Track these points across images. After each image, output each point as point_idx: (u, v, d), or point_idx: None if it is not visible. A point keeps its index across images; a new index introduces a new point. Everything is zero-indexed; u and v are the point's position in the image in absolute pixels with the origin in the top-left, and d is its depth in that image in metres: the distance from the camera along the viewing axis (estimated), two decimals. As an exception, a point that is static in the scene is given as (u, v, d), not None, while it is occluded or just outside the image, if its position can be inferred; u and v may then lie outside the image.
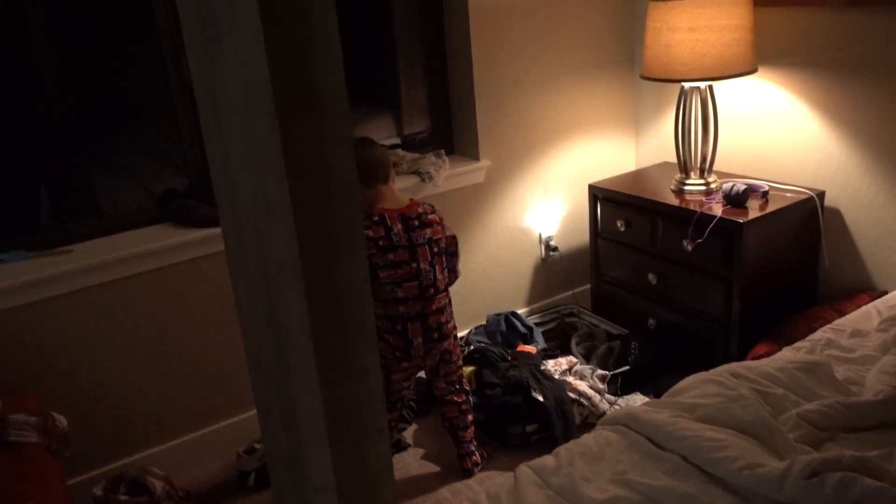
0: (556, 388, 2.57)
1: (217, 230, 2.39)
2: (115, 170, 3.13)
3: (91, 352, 2.31)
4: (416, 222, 2.25)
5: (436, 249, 2.27)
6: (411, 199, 2.30)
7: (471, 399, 2.46)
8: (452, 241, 2.36)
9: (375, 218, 2.22)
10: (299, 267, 1.14)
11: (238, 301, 1.46)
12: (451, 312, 2.35)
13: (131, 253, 2.29)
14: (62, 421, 2.00)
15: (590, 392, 2.63)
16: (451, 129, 3.08)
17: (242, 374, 2.52)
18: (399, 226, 2.22)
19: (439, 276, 2.27)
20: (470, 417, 2.43)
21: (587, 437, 1.74)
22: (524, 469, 1.64)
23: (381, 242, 2.20)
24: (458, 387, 2.41)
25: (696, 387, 1.82)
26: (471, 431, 2.44)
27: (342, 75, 1.18)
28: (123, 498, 2.17)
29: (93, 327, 2.29)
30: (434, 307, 2.26)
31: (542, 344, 2.98)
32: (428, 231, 2.26)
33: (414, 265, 2.22)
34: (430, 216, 2.28)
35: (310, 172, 1.14)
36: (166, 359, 2.45)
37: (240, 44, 1.11)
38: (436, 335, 2.29)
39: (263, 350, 1.40)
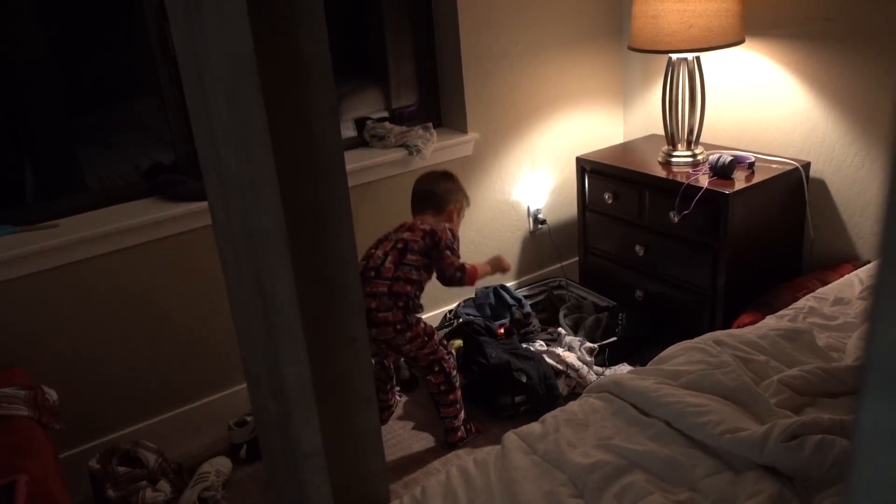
0: (537, 364, 2.60)
1: (204, 204, 2.39)
2: (100, 145, 3.11)
3: (79, 326, 2.31)
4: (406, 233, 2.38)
5: (400, 246, 2.33)
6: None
7: (454, 378, 2.44)
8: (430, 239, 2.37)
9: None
10: (285, 236, 1.15)
11: (226, 272, 1.47)
12: (401, 308, 2.31)
13: (118, 227, 2.29)
14: (52, 394, 2.01)
15: (577, 364, 2.66)
16: (438, 103, 3.07)
17: (231, 348, 2.54)
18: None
19: (388, 266, 2.30)
20: (451, 397, 2.43)
21: (573, 405, 1.77)
22: (511, 436, 1.66)
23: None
24: (435, 369, 2.41)
25: (680, 354, 1.85)
26: (453, 409, 2.44)
27: (326, 45, 1.18)
28: (121, 469, 2.19)
29: (81, 302, 2.30)
30: (367, 289, 2.28)
31: (527, 309, 2.99)
32: (407, 234, 2.35)
33: (372, 250, 2.35)
34: (422, 227, 2.37)
35: (295, 142, 1.14)
36: (155, 333, 2.45)
37: (223, 15, 1.11)
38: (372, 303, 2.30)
39: (251, 320, 1.42)
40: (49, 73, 2.65)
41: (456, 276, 2.34)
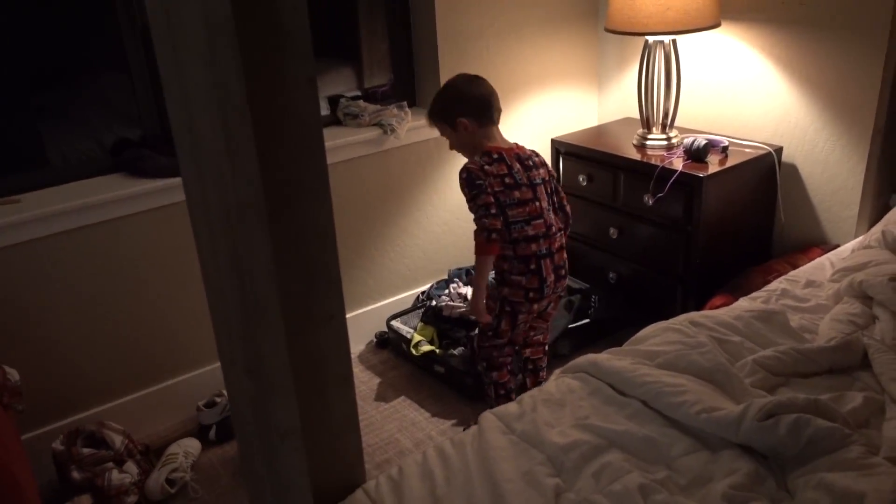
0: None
1: (172, 181, 2.32)
2: (63, 120, 3.02)
3: (42, 305, 2.24)
4: (530, 162, 2.21)
5: (548, 190, 2.24)
6: (515, 143, 2.27)
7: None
8: (557, 183, 2.32)
9: (495, 156, 2.16)
10: (264, 209, 1.11)
11: (199, 247, 1.43)
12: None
13: (82, 203, 2.21)
14: (14, 375, 1.95)
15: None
16: (413, 82, 3.03)
17: (199, 328, 2.49)
18: (517, 165, 2.18)
19: (553, 217, 2.24)
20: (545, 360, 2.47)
21: (550, 385, 1.77)
22: (488, 415, 1.65)
23: (506, 180, 2.14)
24: (546, 325, 2.41)
25: (656, 335, 1.85)
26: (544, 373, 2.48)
27: (306, 15, 1.14)
28: (86, 451, 2.14)
29: (43, 279, 2.23)
30: (557, 245, 2.23)
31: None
32: (542, 171, 2.24)
33: (537, 204, 2.18)
34: (538, 158, 2.26)
35: (274, 113, 1.10)
36: (121, 312, 2.39)
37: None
38: (562, 272, 2.25)
39: (227, 297, 1.38)
40: (10, 46, 2.55)
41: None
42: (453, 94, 2.22)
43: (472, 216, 2.14)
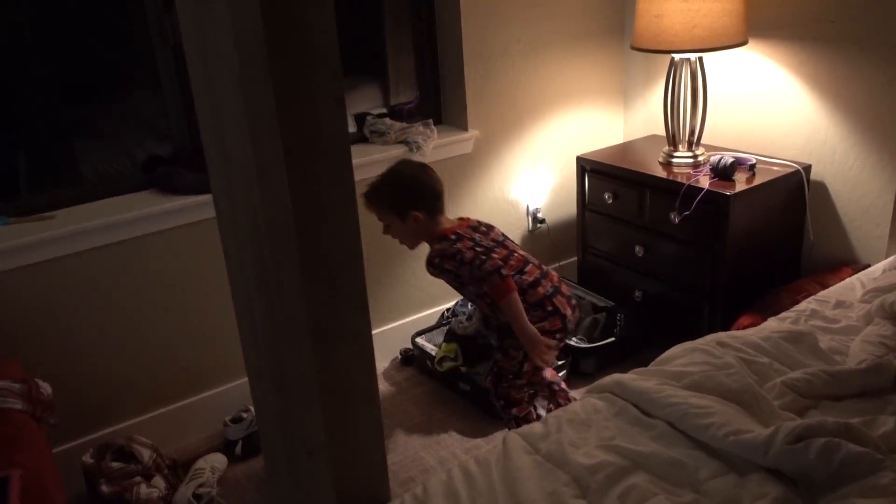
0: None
1: (202, 198, 2.36)
2: (96, 137, 3.08)
3: (75, 320, 2.28)
4: (483, 228, 2.25)
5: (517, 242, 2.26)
6: (458, 218, 2.30)
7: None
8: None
9: (453, 237, 2.16)
10: (293, 226, 1.13)
11: (228, 263, 1.45)
12: None
13: (115, 220, 2.26)
14: (47, 388, 1.98)
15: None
16: (439, 99, 3.05)
17: (227, 343, 2.51)
18: (477, 234, 2.20)
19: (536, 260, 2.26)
20: None
21: (575, 405, 1.75)
22: (513, 436, 1.65)
23: (477, 249, 2.13)
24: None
25: (682, 355, 1.83)
26: None
27: (335, 35, 1.16)
28: (115, 465, 2.16)
29: (76, 295, 2.27)
30: (557, 279, 2.24)
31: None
32: (496, 229, 2.28)
33: (517, 254, 2.20)
34: (485, 222, 2.29)
35: (303, 130, 1.12)
36: (151, 328, 2.42)
37: (233, 4, 1.08)
38: (573, 301, 2.26)
39: (255, 313, 1.39)
40: (44, 63, 2.61)
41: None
42: (408, 187, 2.16)
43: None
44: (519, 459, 1.55)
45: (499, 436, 2.39)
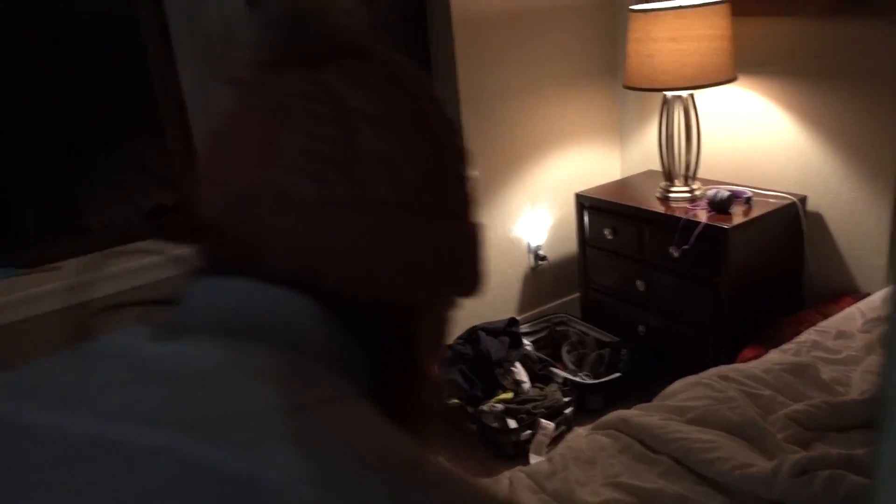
0: None
1: (207, 245, 2.39)
2: (100, 186, 3.13)
3: (82, 369, 2.29)
4: None
5: None
6: None
7: None
8: None
9: None
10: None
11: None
12: None
13: (122, 269, 2.28)
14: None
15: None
16: (437, 141, 3.09)
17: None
18: None
19: None
20: None
21: (580, 442, 1.76)
22: (518, 474, 1.65)
23: None
24: None
25: (685, 390, 1.84)
26: None
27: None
28: None
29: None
30: None
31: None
32: None
33: None
34: None
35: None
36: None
37: (239, 53, 1.13)
38: None
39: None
40: (48, 114, 2.68)
41: None
42: None
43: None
44: (526, 499, 1.55)
45: (506, 475, 2.38)
